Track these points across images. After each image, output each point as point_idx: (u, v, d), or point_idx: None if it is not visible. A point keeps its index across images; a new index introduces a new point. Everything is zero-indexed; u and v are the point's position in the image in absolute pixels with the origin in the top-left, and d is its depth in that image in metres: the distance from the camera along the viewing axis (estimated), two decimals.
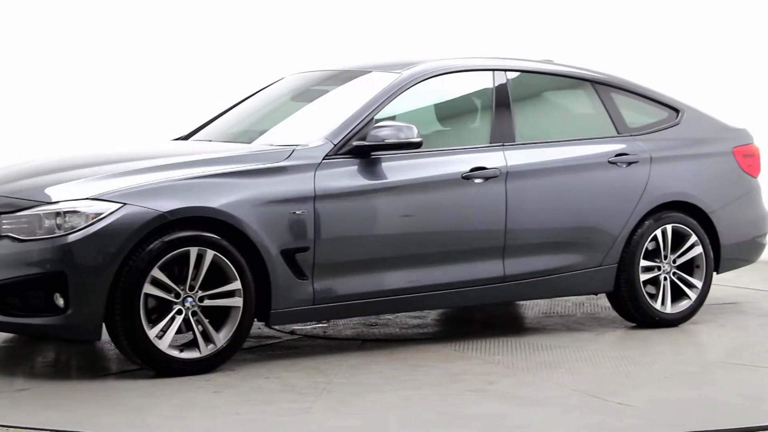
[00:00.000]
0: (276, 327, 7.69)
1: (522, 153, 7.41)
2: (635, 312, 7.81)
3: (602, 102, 7.89)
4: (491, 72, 7.54)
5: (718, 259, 8.11)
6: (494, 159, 7.28)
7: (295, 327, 7.76)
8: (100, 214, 6.11)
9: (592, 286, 7.73)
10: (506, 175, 7.26)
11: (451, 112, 7.68)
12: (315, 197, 6.65)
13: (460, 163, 7.17)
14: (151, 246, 6.17)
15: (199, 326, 6.34)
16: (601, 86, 7.93)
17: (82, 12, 11.61)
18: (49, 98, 11.39)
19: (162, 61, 11.72)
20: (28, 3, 11.53)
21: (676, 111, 8.18)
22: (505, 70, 7.59)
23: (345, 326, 7.87)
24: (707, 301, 8.04)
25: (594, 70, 8.07)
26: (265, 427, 5.36)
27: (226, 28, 11.96)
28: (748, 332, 7.78)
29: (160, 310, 6.29)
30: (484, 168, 7.20)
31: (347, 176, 6.80)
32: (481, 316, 8.41)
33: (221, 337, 6.39)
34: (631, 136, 7.87)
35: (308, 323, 7.80)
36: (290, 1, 12.09)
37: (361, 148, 6.85)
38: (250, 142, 7.14)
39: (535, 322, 8.12)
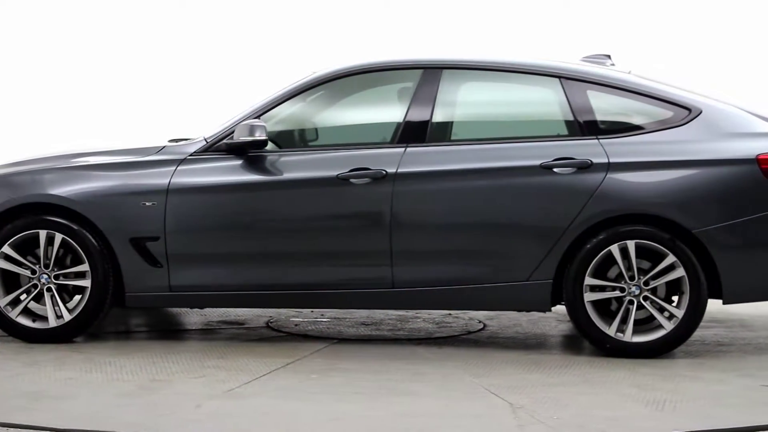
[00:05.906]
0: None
1: (426, 154, 7.02)
2: (582, 336, 6.96)
3: (568, 100, 7.08)
4: (421, 69, 7.23)
5: (719, 287, 6.87)
6: (388, 159, 7.03)
7: (297, 319, 8.08)
8: None
9: (518, 302, 7.04)
10: (395, 176, 6.98)
11: (364, 112, 7.50)
12: (168, 190, 7.09)
13: (345, 163, 7.05)
14: (2, 227, 7.18)
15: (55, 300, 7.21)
16: (573, 82, 7.12)
17: (97, 15, 12.06)
18: (61, 99, 11.99)
19: (172, 64, 11.89)
20: (35, 3, 12.20)
21: (688, 110, 7.04)
22: (440, 68, 7.21)
23: (340, 322, 7.98)
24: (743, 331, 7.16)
25: (569, 63, 7.27)
26: None
27: (236, 28, 11.85)
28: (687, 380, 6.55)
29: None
30: (367, 169, 7.01)
31: (211, 172, 7.12)
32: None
33: (68, 314, 7.17)
34: (596, 138, 6.98)
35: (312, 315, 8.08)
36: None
37: (230, 146, 7.13)
38: None
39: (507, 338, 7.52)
